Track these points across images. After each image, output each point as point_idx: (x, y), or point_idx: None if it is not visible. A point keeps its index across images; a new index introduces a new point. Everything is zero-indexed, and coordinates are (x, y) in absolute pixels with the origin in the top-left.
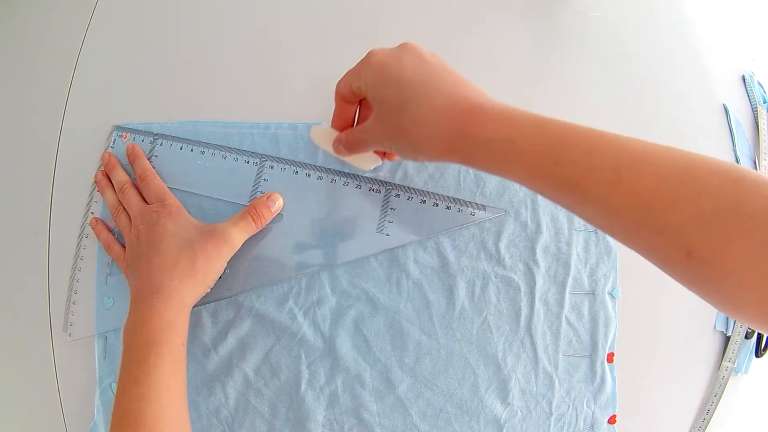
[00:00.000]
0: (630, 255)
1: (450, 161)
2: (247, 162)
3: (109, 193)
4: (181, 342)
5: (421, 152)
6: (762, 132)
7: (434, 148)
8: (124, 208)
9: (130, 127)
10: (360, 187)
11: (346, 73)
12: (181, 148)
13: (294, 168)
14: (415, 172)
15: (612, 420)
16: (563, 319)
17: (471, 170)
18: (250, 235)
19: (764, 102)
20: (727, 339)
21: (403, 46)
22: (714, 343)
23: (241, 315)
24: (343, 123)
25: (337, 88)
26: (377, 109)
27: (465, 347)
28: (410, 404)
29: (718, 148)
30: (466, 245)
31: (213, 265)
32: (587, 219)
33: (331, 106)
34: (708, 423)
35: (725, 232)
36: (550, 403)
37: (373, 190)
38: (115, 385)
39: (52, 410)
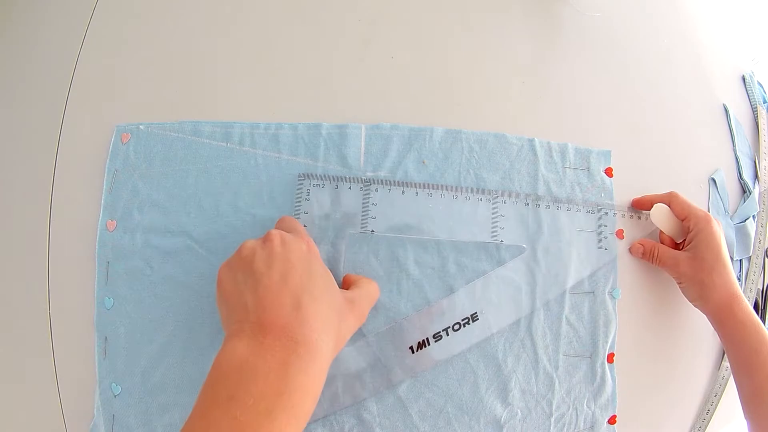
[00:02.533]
0: (630, 256)
1: (708, 312)
2: (480, 200)
3: None
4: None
5: (701, 303)
6: (762, 132)
7: (709, 306)
8: None
9: (131, 126)
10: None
11: (684, 203)
12: (403, 192)
13: (520, 200)
14: (416, 172)
15: (612, 420)
16: (563, 319)
17: (471, 170)
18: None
19: (764, 102)
20: None
21: (717, 222)
22: (714, 343)
23: None
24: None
25: (671, 198)
26: (693, 260)
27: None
28: (410, 404)
29: (718, 148)
30: (467, 245)
31: (346, 338)
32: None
33: (330, 105)
34: (708, 423)
35: None
36: (550, 404)
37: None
38: (115, 385)
39: (52, 410)
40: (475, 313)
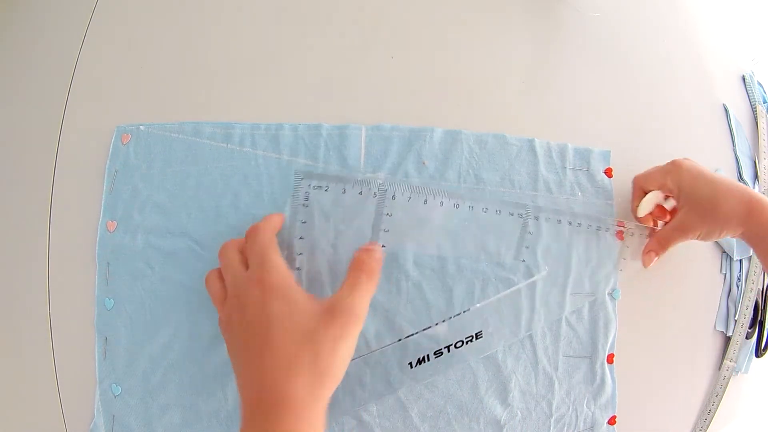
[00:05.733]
0: (630, 255)
1: (735, 235)
2: (511, 214)
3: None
4: None
5: (725, 230)
6: (762, 132)
7: (734, 225)
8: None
9: (132, 127)
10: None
11: (651, 172)
12: (409, 199)
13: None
14: (416, 173)
15: (612, 421)
16: (563, 320)
17: (472, 171)
18: (370, 299)
19: (764, 102)
20: (727, 339)
21: (686, 159)
22: (714, 343)
23: None
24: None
25: (638, 183)
26: (692, 211)
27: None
28: (410, 405)
29: (718, 148)
30: (466, 246)
31: (342, 354)
32: None
33: (331, 106)
34: (709, 424)
35: None
36: (550, 404)
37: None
38: (115, 386)
39: (52, 410)
40: (480, 331)
